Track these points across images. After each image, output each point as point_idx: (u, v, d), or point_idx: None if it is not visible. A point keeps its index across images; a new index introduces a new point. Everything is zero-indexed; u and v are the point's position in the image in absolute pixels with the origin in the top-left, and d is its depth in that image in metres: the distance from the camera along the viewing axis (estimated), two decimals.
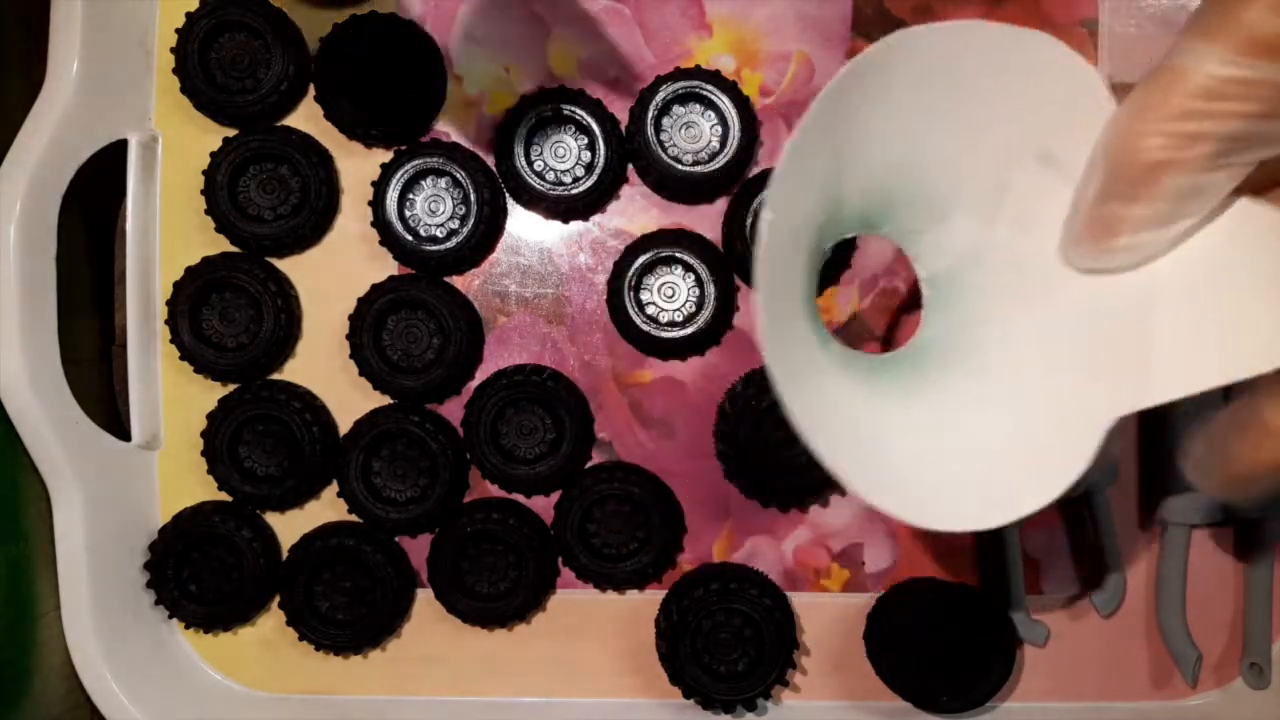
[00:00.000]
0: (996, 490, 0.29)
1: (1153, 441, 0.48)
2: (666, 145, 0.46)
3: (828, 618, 0.49)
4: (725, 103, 0.45)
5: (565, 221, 0.48)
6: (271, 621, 0.49)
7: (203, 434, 0.47)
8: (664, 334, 0.46)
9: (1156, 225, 0.27)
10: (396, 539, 0.48)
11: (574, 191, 0.46)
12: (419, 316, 0.46)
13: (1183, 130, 0.26)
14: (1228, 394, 0.27)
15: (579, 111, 0.46)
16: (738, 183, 0.47)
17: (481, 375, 0.48)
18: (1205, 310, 0.27)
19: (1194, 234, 0.27)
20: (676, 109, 0.46)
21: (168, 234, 0.48)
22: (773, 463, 0.45)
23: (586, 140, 0.46)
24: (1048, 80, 0.28)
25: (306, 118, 0.48)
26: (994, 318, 0.31)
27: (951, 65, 0.28)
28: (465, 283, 0.48)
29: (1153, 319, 0.28)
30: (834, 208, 0.30)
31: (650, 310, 0.46)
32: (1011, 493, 0.28)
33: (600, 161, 0.46)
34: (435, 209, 0.46)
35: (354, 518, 0.48)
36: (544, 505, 0.48)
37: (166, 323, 0.47)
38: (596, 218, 0.48)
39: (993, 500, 0.28)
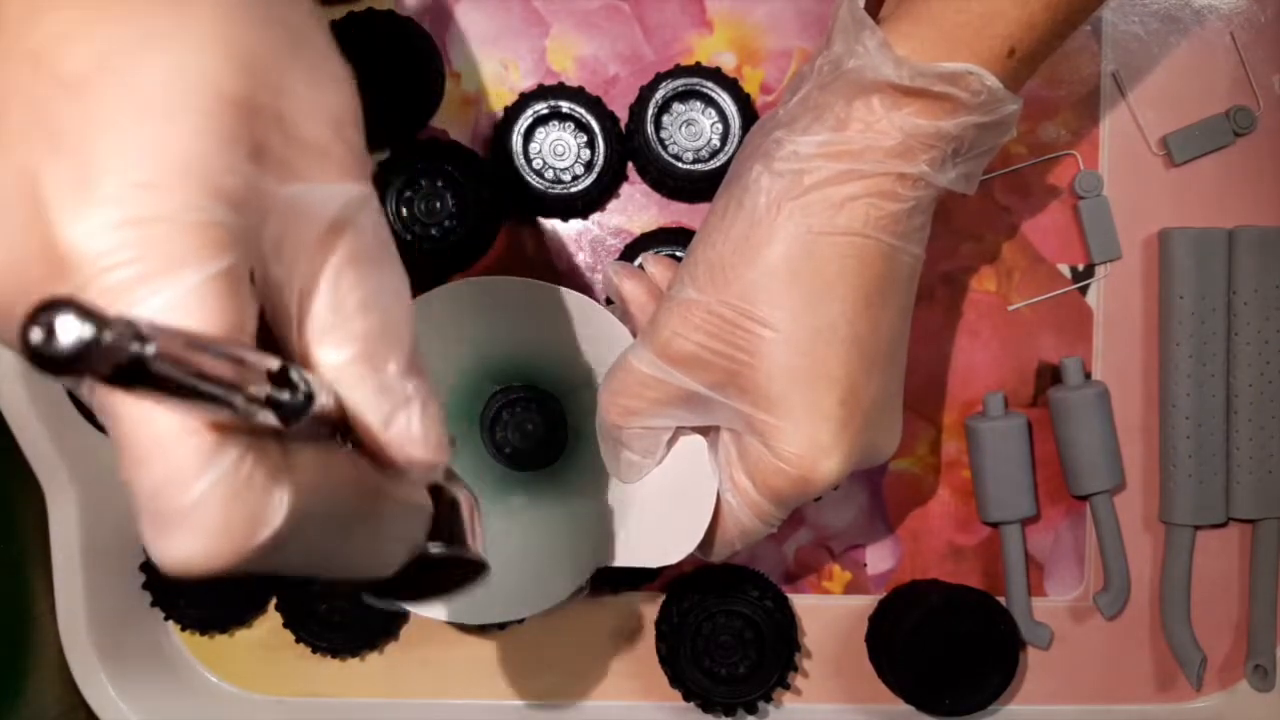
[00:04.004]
0: (501, 593, 0.40)
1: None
2: (666, 143, 0.45)
3: (829, 620, 0.49)
4: (726, 100, 0.45)
5: (564, 220, 0.48)
6: (268, 624, 0.49)
7: None
8: None
9: (637, 458, 0.39)
10: None
11: (573, 190, 0.46)
12: None
13: (626, 405, 0.38)
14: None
15: (578, 109, 0.45)
16: None
17: None
18: (654, 510, 0.40)
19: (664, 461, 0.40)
20: (676, 106, 0.45)
21: None
22: None
23: (585, 138, 0.46)
24: (596, 325, 0.41)
25: None
26: (589, 472, 0.42)
27: (532, 304, 0.41)
28: None
29: (630, 512, 0.40)
30: (487, 369, 0.44)
31: None
32: (512, 600, 0.41)
33: (599, 159, 0.46)
34: (433, 207, 0.46)
35: None
36: None
37: None
38: (596, 216, 0.48)
39: (493, 606, 0.41)
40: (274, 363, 0.20)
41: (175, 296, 0.20)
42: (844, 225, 0.35)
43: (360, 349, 0.24)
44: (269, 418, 0.20)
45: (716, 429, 0.39)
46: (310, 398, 0.21)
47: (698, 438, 0.40)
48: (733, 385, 0.37)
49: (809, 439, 0.36)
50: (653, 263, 0.42)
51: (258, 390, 0.20)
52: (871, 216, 0.35)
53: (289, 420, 0.21)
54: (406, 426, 0.24)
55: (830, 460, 0.36)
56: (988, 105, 0.35)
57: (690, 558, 0.39)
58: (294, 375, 0.21)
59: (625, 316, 0.41)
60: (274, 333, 0.23)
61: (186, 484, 0.20)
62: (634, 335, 0.40)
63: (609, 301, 0.43)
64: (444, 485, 0.29)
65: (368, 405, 0.24)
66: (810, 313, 0.35)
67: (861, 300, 0.36)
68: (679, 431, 0.39)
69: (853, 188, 0.35)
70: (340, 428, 0.24)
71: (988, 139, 0.36)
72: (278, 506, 0.21)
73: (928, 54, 0.34)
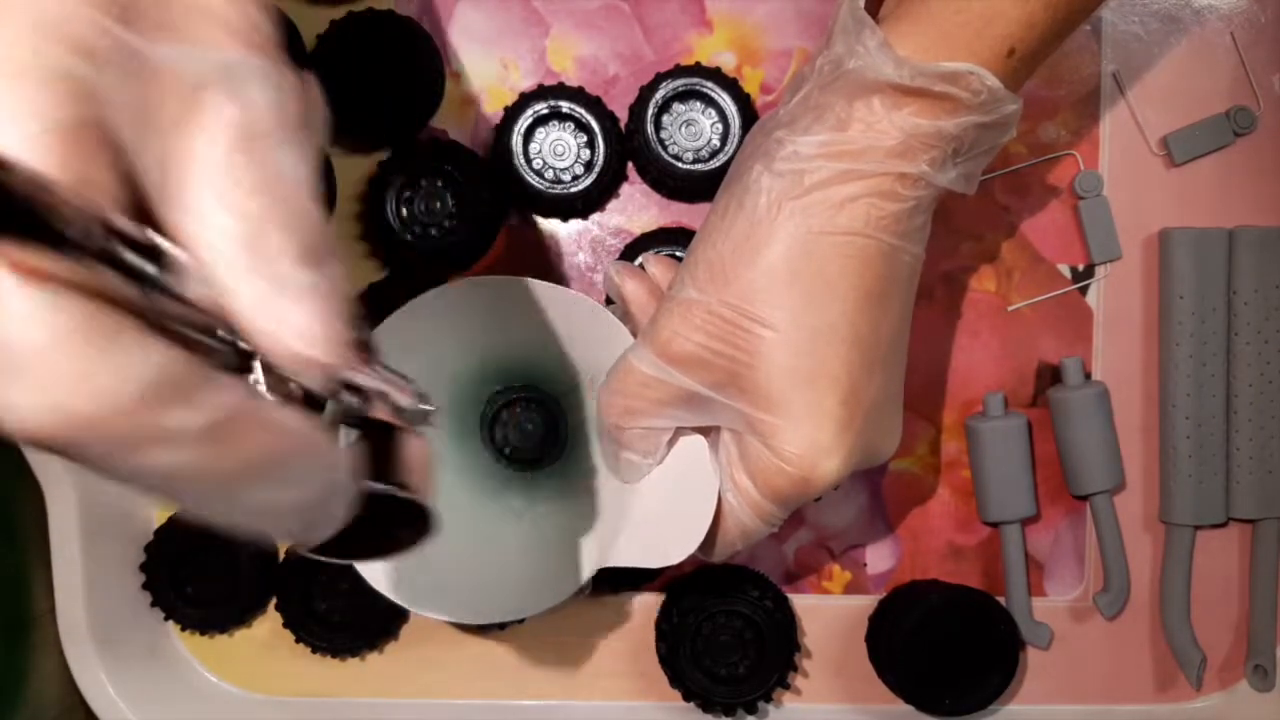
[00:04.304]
0: (502, 593, 0.41)
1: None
2: (666, 143, 0.45)
3: (829, 620, 0.49)
4: (726, 100, 0.45)
5: (564, 220, 0.48)
6: (268, 624, 0.49)
7: None
8: None
9: (637, 458, 0.39)
10: None
11: (573, 190, 0.46)
12: None
13: (627, 405, 0.38)
14: None
15: (578, 109, 0.45)
16: None
17: None
18: (655, 511, 0.40)
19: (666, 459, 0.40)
20: (676, 106, 0.45)
21: None
22: None
23: (585, 138, 0.46)
24: (596, 325, 0.40)
25: None
26: (591, 471, 0.43)
27: (532, 304, 0.41)
28: None
29: (631, 512, 0.40)
30: (487, 369, 0.44)
31: None
32: (512, 600, 0.41)
33: (599, 159, 0.46)
34: (432, 207, 0.46)
35: None
36: None
37: None
38: (596, 216, 0.48)
39: (494, 606, 0.41)
40: (123, 221, 0.18)
41: (13, 143, 0.19)
42: (844, 225, 0.35)
43: (244, 231, 0.22)
44: (119, 284, 0.18)
45: (717, 429, 0.39)
46: (165, 265, 0.19)
47: (698, 438, 0.40)
48: (733, 385, 0.37)
49: (809, 439, 0.36)
50: (653, 263, 0.42)
51: (95, 239, 0.18)
52: (872, 216, 0.35)
53: (142, 287, 0.19)
54: (290, 317, 0.22)
55: (831, 460, 0.36)
56: (988, 105, 0.35)
57: (691, 558, 0.39)
58: (153, 239, 0.19)
59: (626, 316, 0.41)
60: (151, 210, 0.21)
61: (14, 333, 0.18)
62: (634, 335, 0.40)
63: (609, 301, 0.43)
64: (392, 421, 0.26)
65: (244, 291, 0.22)
66: (811, 313, 0.35)
67: (862, 300, 0.36)
68: (679, 432, 0.39)
69: (853, 188, 0.35)
70: (222, 323, 0.22)
71: (988, 139, 0.36)
72: (118, 372, 0.19)
73: (928, 54, 0.34)
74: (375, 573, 0.41)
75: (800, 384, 0.36)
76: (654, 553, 0.40)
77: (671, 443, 0.40)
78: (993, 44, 0.34)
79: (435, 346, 0.42)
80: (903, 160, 0.35)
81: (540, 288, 0.41)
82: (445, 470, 0.44)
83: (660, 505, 0.40)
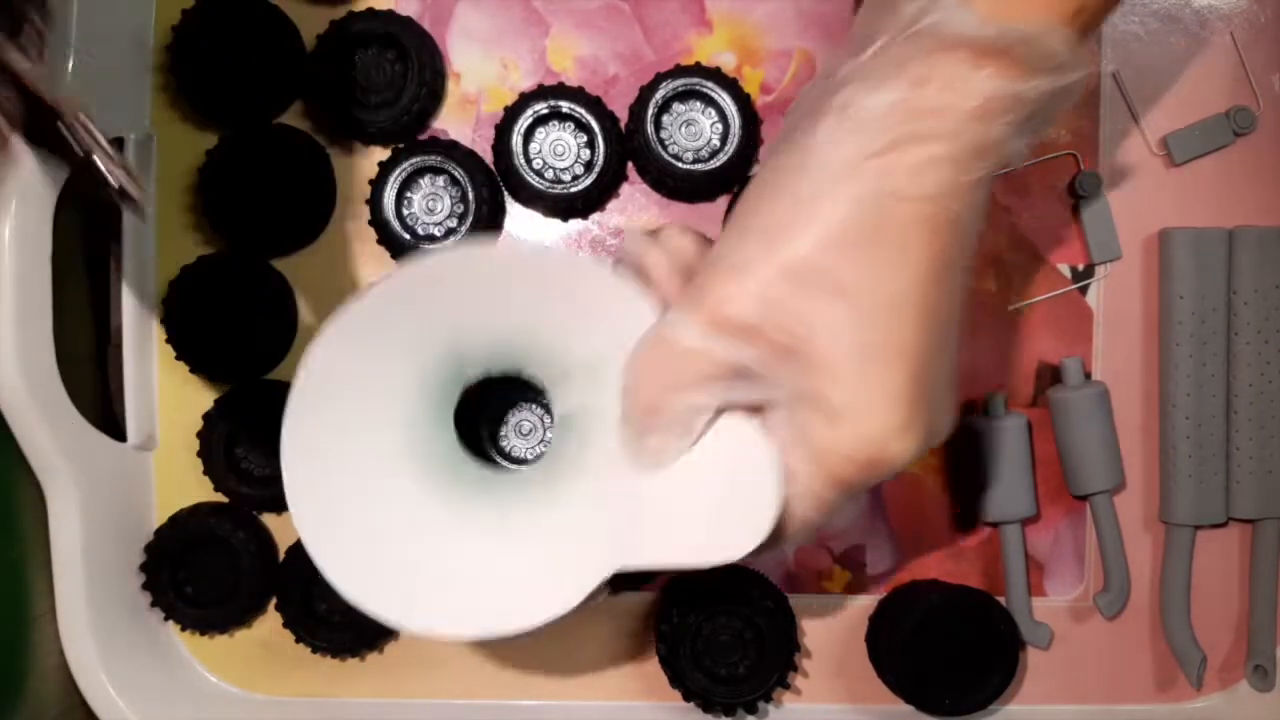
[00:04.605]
0: (510, 599, 0.37)
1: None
2: (666, 143, 0.45)
3: (829, 620, 0.49)
4: (726, 100, 0.45)
5: (564, 220, 0.48)
6: (268, 624, 0.49)
7: (199, 434, 0.47)
8: None
9: (669, 442, 0.35)
10: None
11: (573, 190, 0.46)
12: None
13: (666, 381, 0.34)
14: None
15: (578, 109, 0.45)
16: (739, 181, 0.47)
17: None
18: (684, 503, 0.36)
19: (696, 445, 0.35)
20: (677, 106, 0.45)
21: (164, 233, 0.48)
22: None
23: (585, 138, 0.46)
24: (606, 298, 0.36)
25: (303, 116, 0.47)
26: (587, 464, 0.38)
27: (521, 275, 0.36)
28: None
29: (654, 503, 0.36)
30: (467, 355, 0.39)
31: None
32: (523, 605, 0.37)
33: (599, 159, 0.46)
34: (433, 207, 0.46)
35: None
36: None
37: (162, 322, 0.47)
38: (596, 216, 0.48)
39: (504, 610, 0.37)
40: None
41: None
42: (917, 190, 0.32)
43: None
44: None
45: (763, 409, 0.36)
46: None
47: (745, 416, 0.36)
48: (791, 359, 0.33)
49: (880, 418, 0.33)
50: (679, 232, 0.38)
51: None
52: (945, 182, 0.32)
53: None
54: None
55: (902, 441, 0.33)
56: (1063, 69, 0.32)
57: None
58: None
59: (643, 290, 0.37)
60: None
61: None
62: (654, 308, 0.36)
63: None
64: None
65: None
66: (880, 281, 0.33)
67: (934, 267, 0.33)
68: (718, 412, 0.36)
69: (929, 149, 0.32)
70: None
71: (1054, 105, 0.33)
72: None
73: (1000, 10, 0.32)
74: (364, 594, 0.37)
75: (868, 357, 0.33)
76: (706, 549, 0.36)
77: (710, 424, 0.36)
78: (1063, 3, 0.32)
79: (405, 331, 0.38)
80: (980, 123, 0.32)
81: (530, 257, 0.37)
82: (419, 477, 0.40)
83: (706, 495, 0.36)
